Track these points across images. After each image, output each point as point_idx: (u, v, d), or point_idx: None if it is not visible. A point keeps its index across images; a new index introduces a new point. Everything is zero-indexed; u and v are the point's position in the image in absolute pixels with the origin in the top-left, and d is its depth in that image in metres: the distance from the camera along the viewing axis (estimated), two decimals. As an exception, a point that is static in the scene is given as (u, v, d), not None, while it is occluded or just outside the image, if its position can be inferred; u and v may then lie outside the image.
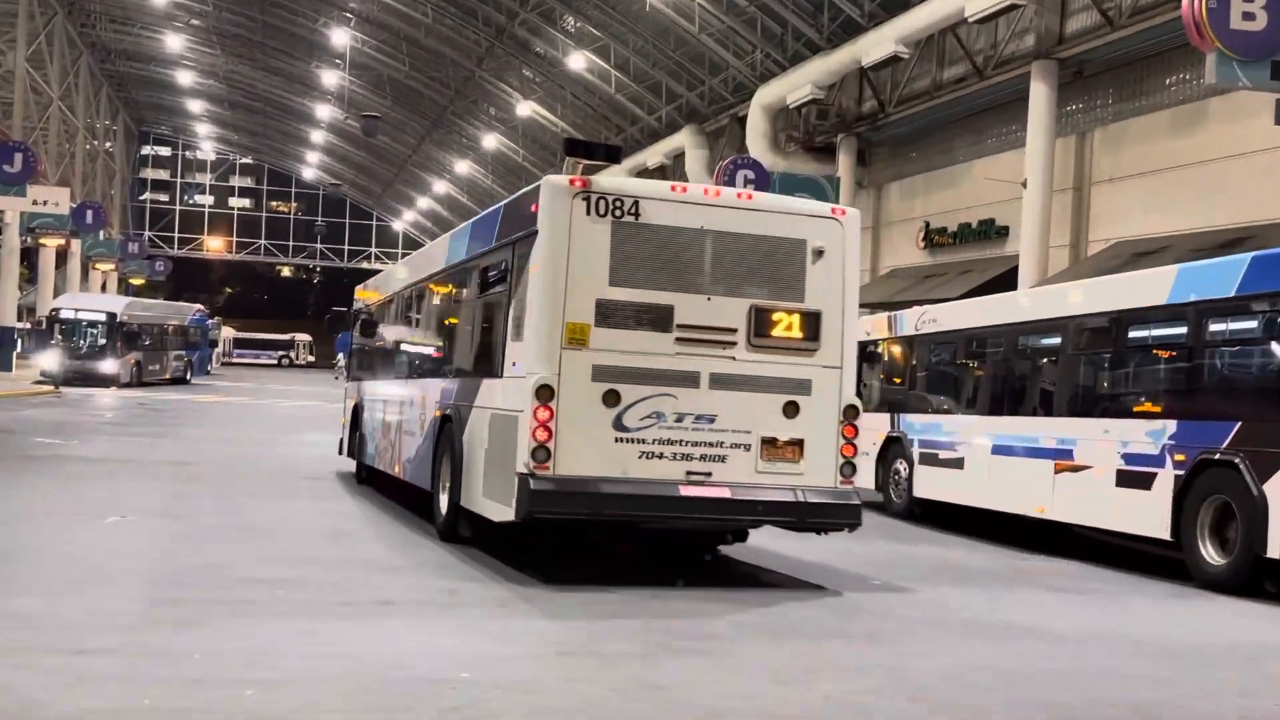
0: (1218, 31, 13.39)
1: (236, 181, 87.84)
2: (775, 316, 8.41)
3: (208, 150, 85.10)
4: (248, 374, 59.16)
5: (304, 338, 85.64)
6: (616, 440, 8.03)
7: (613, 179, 8.44)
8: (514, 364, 8.38)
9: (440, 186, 66.75)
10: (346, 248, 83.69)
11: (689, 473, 8.15)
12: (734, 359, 8.30)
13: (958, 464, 13.69)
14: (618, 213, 8.11)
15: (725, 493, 8.15)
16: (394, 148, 64.52)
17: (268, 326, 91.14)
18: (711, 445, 8.20)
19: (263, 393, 40.55)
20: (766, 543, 11.78)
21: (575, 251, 8.05)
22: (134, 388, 37.41)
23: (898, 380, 15.80)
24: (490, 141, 49.97)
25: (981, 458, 13.22)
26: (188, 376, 43.84)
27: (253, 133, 77.43)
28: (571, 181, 8.07)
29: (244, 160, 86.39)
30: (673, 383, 8.17)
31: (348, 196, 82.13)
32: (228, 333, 78.15)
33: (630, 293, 8.12)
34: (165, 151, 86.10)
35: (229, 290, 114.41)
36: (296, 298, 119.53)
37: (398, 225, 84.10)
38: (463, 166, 58.52)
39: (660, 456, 8.09)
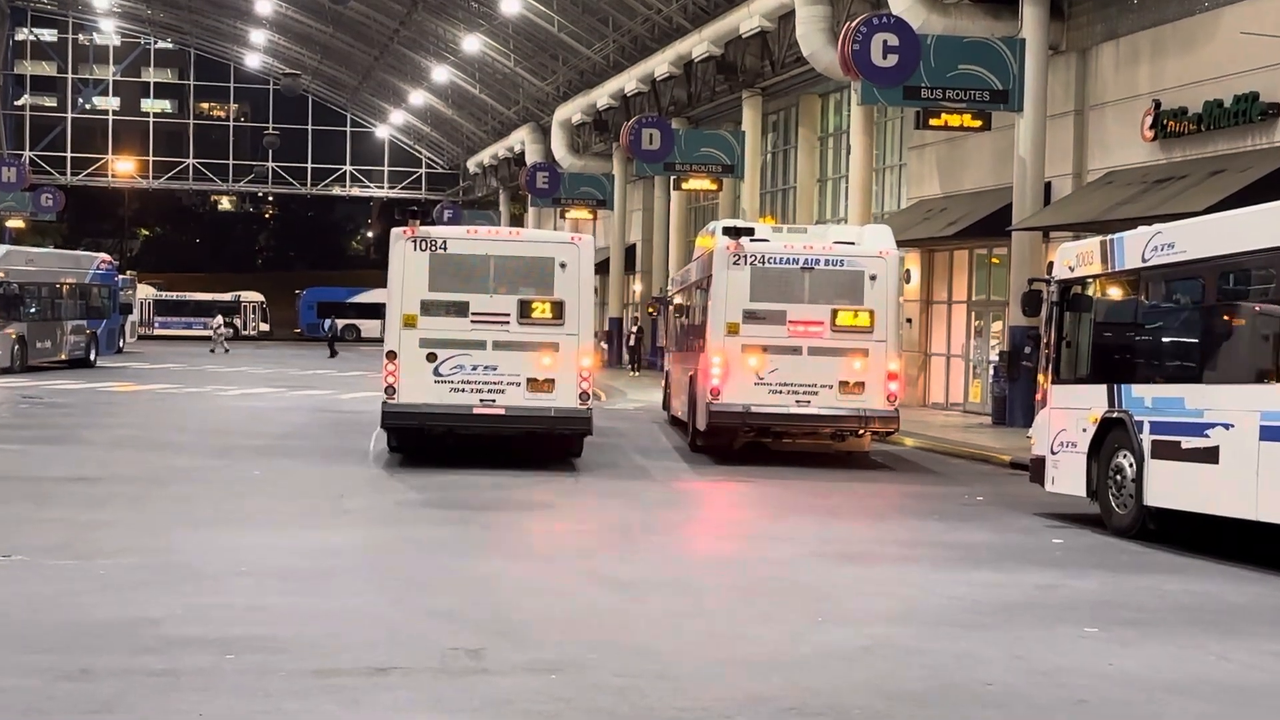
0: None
1: (152, 76, 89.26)
2: (534, 305, 19.25)
3: (110, 32, 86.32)
4: (176, 351, 60.25)
5: (253, 298, 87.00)
6: (435, 382, 19.10)
7: (432, 228, 19.72)
8: None
9: (440, 74, 67.22)
10: (310, 166, 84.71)
11: (481, 399, 19.13)
12: (508, 331, 19.17)
13: (1209, 455, 13.51)
14: (434, 247, 19.21)
15: (502, 411, 19.13)
16: (374, 19, 65.04)
17: (203, 283, 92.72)
18: (494, 384, 19.15)
19: (199, 378, 41.31)
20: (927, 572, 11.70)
21: (408, 273, 19.20)
22: (16, 374, 38.30)
23: (1117, 335, 15.60)
24: (511, 3, 50.22)
25: (1247, 445, 13.02)
26: (91, 357, 44.78)
27: (173, 4, 78.45)
28: (404, 232, 19.30)
29: (162, 45, 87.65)
30: (469, 347, 19.15)
31: (309, 92, 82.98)
32: (146, 293, 79.50)
33: (442, 295, 19.19)
34: (50, 35, 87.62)
35: (146, 233, 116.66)
36: (242, 241, 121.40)
37: (381, 132, 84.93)
38: (472, 43, 58.89)
39: (462, 390, 19.13)
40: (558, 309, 19.25)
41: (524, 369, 19.16)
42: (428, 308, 19.13)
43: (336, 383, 40.08)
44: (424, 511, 15.12)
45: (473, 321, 19.13)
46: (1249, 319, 13.60)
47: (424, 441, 20.10)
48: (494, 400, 19.11)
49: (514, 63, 60.48)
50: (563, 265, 19.36)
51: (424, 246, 19.17)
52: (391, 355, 19.13)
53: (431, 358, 19.06)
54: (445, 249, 19.24)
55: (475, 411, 19.09)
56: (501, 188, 72.58)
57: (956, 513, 16.54)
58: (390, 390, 19.15)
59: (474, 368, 19.09)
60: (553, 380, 19.19)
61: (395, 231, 19.52)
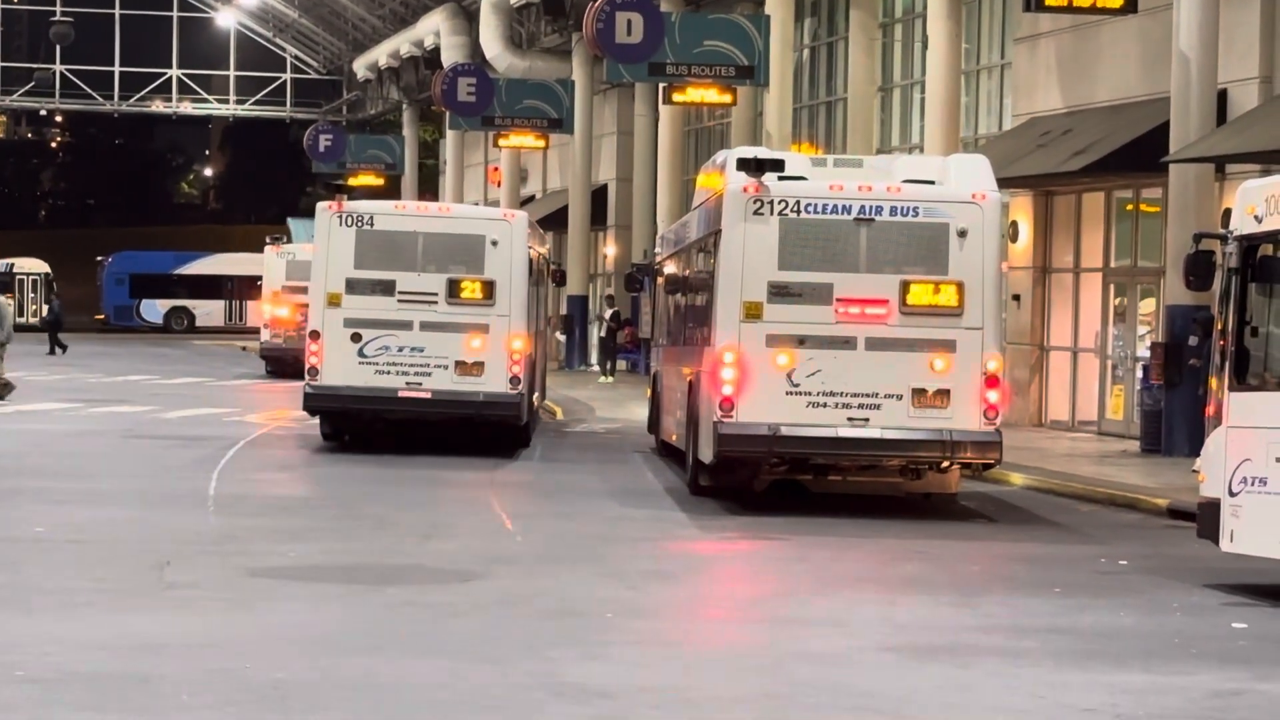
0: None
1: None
2: (463, 284, 27.36)
3: None
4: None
5: (33, 268, 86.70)
6: (359, 364, 27.36)
7: (359, 203, 29.19)
8: None
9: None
10: (117, 70, 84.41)
11: (407, 383, 27.31)
12: (436, 311, 27.37)
13: None
14: (360, 224, 27.55)
15: (428, 394, 27.36)
16: None
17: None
18: (422, 366, 27.34)
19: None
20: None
21: (332, 248, 27.64)
22: None
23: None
24: None
25: None
26: None
27: None
28: (329, 206, 27.92)
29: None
30: (395, 327, 27.39)
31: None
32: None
33: (368, 273, 27.51)
34: None
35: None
36: (15, 182, 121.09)
37: (224, 19, 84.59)
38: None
39: (387, 373, 27.35)
40: (488, 289, 26.93)
41: (452, 351, 26.82)
42: (353, 286, 26.92)
43: (160, 395, 39.94)
44: (290, 585, 15.09)
45: (399, 301, 26.98)
46: None
47: (356, 427, 28.35)
48: (420, 383, 26.89)
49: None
50: (494, 243, 27.18)
51: (350, 222, 26.98)
52: (315, 335, 27.11)
53: (356, 338, 26.89)
54: (372, 225, 27.14)
55: (401, 394, 26.92)
56: (406, 101, 72.59)
57: (1089, 584, 16.57)
58: (313, 372, 26.98)
59: (400, 349, 26.92)
60: (482, 363, 26.90)
61: (320, 206, 27.84)
